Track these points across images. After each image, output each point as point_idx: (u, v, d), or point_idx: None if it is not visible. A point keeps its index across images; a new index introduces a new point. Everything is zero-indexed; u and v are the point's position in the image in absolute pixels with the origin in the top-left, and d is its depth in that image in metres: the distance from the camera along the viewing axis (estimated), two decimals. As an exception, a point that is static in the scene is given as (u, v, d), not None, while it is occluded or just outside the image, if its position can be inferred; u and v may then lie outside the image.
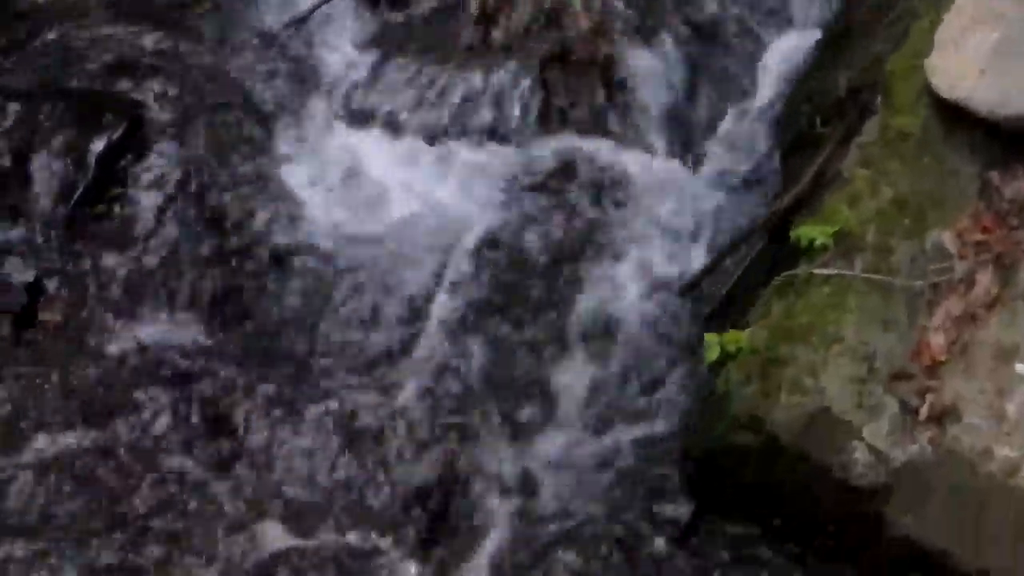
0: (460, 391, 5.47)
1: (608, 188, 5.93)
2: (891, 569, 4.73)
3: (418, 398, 5.44)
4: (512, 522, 5.20)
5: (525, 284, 5.73)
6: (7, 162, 5.81)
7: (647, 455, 5.34)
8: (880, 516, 4.66)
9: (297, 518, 5.19)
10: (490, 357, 5.56)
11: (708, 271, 5.57)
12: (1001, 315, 4.85)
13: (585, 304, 5.66)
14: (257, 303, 5.67)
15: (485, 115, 6.08)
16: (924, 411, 4.72)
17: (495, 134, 6.05)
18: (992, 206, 5.05)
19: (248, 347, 5.57)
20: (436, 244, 5.79)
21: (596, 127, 6.07)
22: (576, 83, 6.11)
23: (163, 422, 5.36)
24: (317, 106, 6.13)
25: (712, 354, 4.95)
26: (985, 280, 4.89)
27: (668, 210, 5.87)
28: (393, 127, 6.08)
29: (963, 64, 5.17)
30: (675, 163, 6.01)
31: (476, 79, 6.14)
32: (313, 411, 5.38)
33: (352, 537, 5.16)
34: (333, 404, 5.40)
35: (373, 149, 6.04)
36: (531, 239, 5.82)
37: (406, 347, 5.59)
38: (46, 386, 5.43)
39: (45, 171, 5.82)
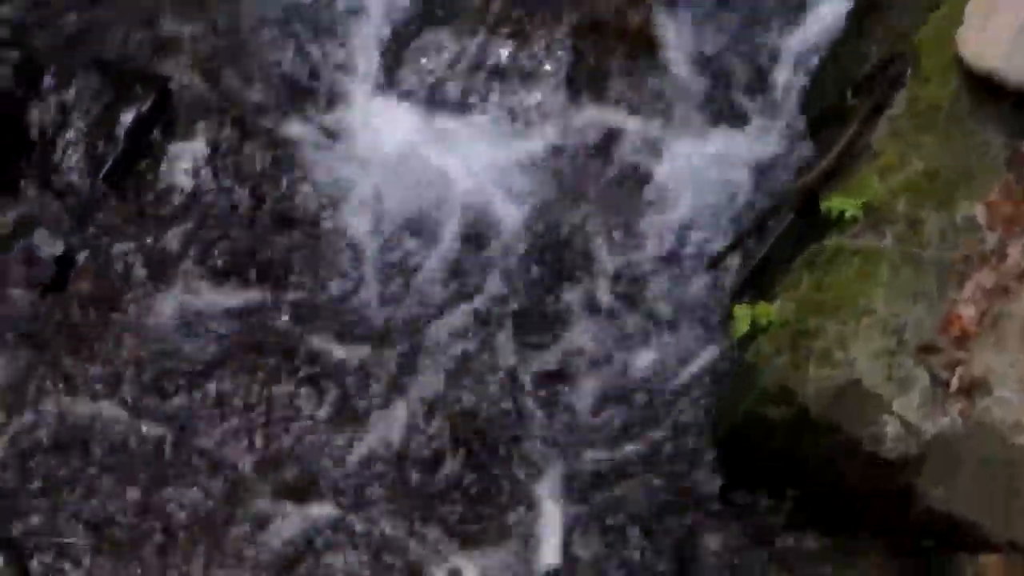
0: (490, 358, 5.52)
1: (639, 158, 5.93)
2: (920, 541, 4.74)
3: (450, 365, 5.49)
4: (541, 492, 5.23)
5: (554, 253, 5.75)
6: (36, 134, 5.83)
7: (676, 427, 5.36)
8: (910, 488, 4.66)
9: (334, 487, 5.24)
10: (518, 326, 5.59)
11: (737, 244, 5.57)
12: (1032, 288, 4.85)
13: (613, 275, 5.68)
14: (288, 271, 5.69)
15: (517, 85, 6.07)
16: (954, 383, 4.71)
17: (526, 104, 6.04)
18: (1022, 178, 5.03)
19: (279, 315, 5.59)
20: (466, 213, 5.81)
21: (628, 97, 6.05)
22: (608, 53, 6.10)
23: (194, 391, 5.39)
24: (345, 77, 6.12)
25: (742, 326, 4.94)
26: (1016, 252, 4.87)
27: (698, 182, 5.87)
28: (422, 97, 6.07)
29: (993, 35, 5.13)
30: (707, 133, 6.00)
31: (507, 49, 6.14)
32: (350, 375, 5.44)
33: (397, 506, 5.24)
34: (369, 368, 5.45)
35: (402, 119, 6.03)
36: (561, 209, 5.83)
37: (437, 313, 5.62)
38: (76, 357, 5.46)
39: (74, 143, 5.84)
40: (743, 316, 4.94)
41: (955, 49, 5.19)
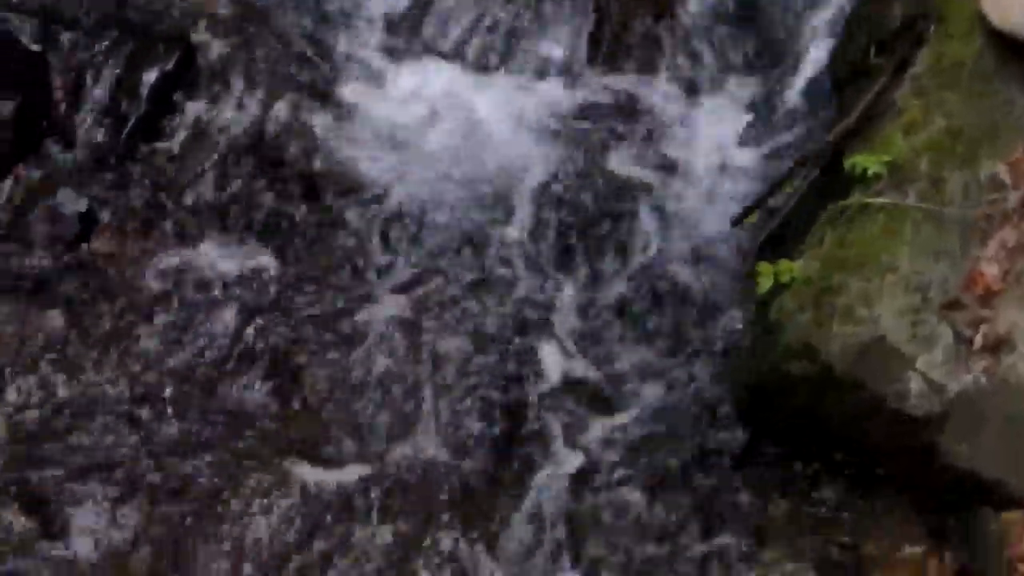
0: (516, 314, 5.53)
1: (661, 119, 5.93)
2: (944, 498, 4.75)
3: (474, 324, 5.50)
4: (569, 449, 5.25)
5: (578, 215, 5.75)
6: (61, 93, 5.84)
7: (701, 384, 5.37)
8: (934, 446, 4.66)
9: (361, 441, 5.26)
10: (543, 284, 5.60)
11: (761, 202, 5.55)
12: (1056, 246, 4.84)
13: (637, 235, 5.68)
14: (310, 231, 5.69)
15: (538, 47, 6.07)
16: (978, 341, 4.71)
17: (547, 67, 6.05)
18: (1046, 136, 5.02)
19: (302, 274, 5.61)
20: (489, 177, 5.81)
21: (650, 59, 6.05)
22: (630, 15, 6.09)
23: (217, 350, 5.41)
24: (368, 39, 6.12)
25: (765, 283, 4.94)
26: (1040, 211, 4.87)
27: (721, 141, 5.87)
28: (444, 59, 6.08)
29: (1017, -7, 5.13)
30: (729, 93, 5.99)
31: (528, 11, 6.13)
32: (373, 335, 5.43)
33: (424, 457, 5.23)
34: (391, 328, 5.46)
35: (423, 82, 6.04)
36: (583, 171, 5.83)
37: (462, 274, 5.62)
38: (98, 314, 5.48)
39: (98, 102, 5.85)
40: (766, 273, 4.94)
41: (979, 7, 5.18)
